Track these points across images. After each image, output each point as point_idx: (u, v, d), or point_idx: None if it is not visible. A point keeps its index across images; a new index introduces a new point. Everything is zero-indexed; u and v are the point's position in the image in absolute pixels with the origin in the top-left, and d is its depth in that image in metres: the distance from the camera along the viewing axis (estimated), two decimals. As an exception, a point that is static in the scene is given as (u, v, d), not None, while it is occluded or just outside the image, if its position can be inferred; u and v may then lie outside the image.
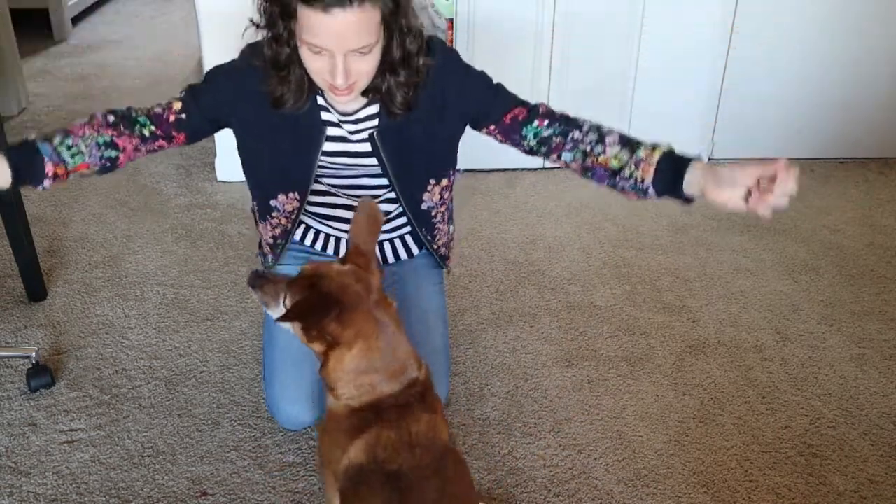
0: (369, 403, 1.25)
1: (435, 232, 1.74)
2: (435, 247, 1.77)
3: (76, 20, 4.79)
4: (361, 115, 1.55)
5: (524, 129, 1.60)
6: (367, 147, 1.58)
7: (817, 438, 1.83)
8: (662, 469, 1.74)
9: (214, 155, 2.98)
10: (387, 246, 1.79)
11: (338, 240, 1.77)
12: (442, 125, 1.59)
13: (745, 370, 2.04)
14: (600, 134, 1.56)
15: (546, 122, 1.60)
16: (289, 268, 1.78)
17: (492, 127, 1.61)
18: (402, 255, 1.81)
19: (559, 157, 1.60)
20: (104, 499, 1.64)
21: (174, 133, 1.58)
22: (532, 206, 2.83)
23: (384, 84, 1.47)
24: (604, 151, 1.55)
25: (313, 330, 1.24)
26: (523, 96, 2.83)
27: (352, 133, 1.57)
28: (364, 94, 1.49)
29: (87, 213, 2.71)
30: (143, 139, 1.58)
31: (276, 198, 1.64)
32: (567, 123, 1.60)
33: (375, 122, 1.55)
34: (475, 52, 2.84)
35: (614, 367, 2.04)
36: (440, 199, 1.69)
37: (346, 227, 1.72)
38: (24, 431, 1.80)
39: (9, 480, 1.67)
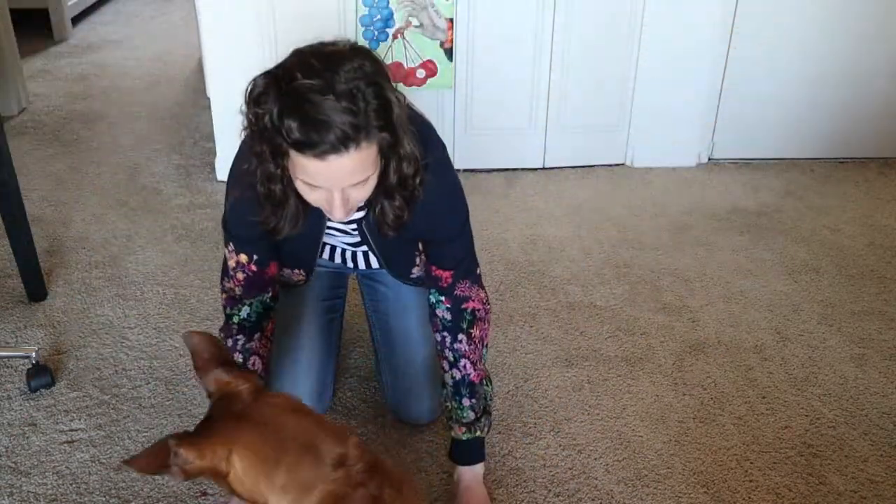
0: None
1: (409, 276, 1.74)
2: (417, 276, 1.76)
3: (76, 20, 4.79)
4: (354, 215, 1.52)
5: (430, 295, 1.62)
6: (357, 237, 1.60)
7: (817, 438, 1.83)
8: (662, 469, 1.74)
9: (214, 155, 2.98)
10: (359, 255, 1.75)
11: (333, 248, 1.75)
12: (414, 229, 1.54)
13: (745, 370, 2.04)
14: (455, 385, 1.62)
15: (446, 307, 1.59)
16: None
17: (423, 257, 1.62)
18: (374, 264, 1.76)
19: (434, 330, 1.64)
20: (104, 499, 1.64)
21: (268, 276, 1.59)
22: (532, 206, 2.83)
23: (378, 204, 1.44)
24: (445, 372, 1.64)
25: (175, 467, 1.06)
26: (524, 96, 2.82)
27: (345, 223, 1.57)
28: (359, 210, 1.49)
29: (87, 213, 2.71)
30: (269, 318, 1.65)
31: (282, 272, 1.68)
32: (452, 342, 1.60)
33: (362, 213, 1.52)
34: (475, 52, 2.84)
35: (614, 367, 2.04)
36: (424, 270, 1.67)
37: (336, 241, 1.71)
38: (24, 431, 1.80)
39: (9, 480, 1.67)
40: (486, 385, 1.65)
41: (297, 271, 1.68)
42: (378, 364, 1.86)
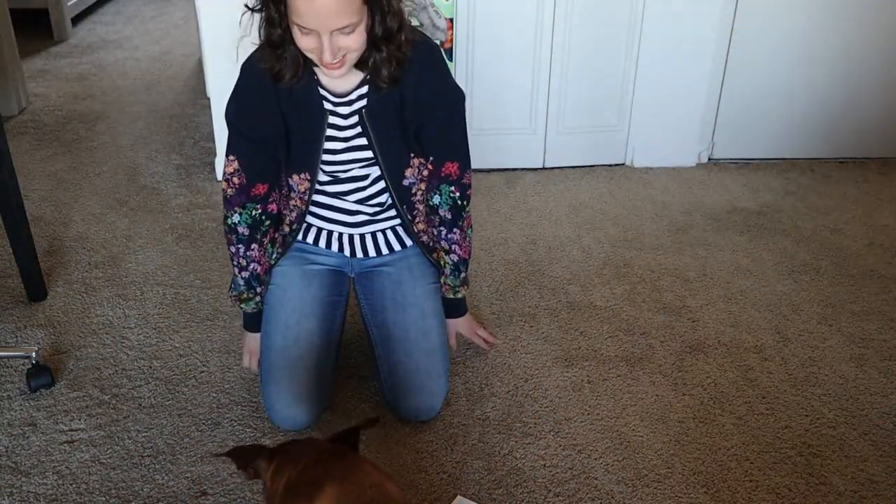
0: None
1: (415, 212, 1.82)
2: (416, 230, 1.84)
3: (76, 20, 4.79)
4: (353, 96, 1.66)
5: (433, 196, 1.81)
6: (357, 129, 1.69)
7: (817, 438, 1.83)
8: (662, 469, 1.74)
9: (214, 155, 2.98)
10: (380, 237, 1.86)
11: (329, 233, 1.85)
12: (413, 110, 1.70)
13: (745, 370, 2.04)
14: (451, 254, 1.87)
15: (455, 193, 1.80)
16: (287, 268, 1.82)
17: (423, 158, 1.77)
18: (395, 245, 1.88)
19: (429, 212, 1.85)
20: (104, 499, 1.64)
21: (260, 189, 1.74)
22: (532, 206, 2.83)
23: (371, 59, 1.58)
24: (445, 255, 1.87)
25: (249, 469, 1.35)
26: (524, 96, 2.88)
27: (345, 117, 1.67)
28: (357, 67, 1.60)
29: (87, 213, 2.71)
30: (264, 232, 1.81)
31: (291, 177, 1.75)
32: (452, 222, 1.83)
33: (364, 101, 1.66)
34: (475, 52, 2.84)
35: (614, 367, 2.04)
36: (419, 175, 1.77)
37: (337, 226, 1.84)
38: (24, 431, 1.80)
39: (9, 480, 1.67)
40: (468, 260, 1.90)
41: (302, 176, 1.74)
42: (376, 363, 1.87)
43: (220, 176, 2.93)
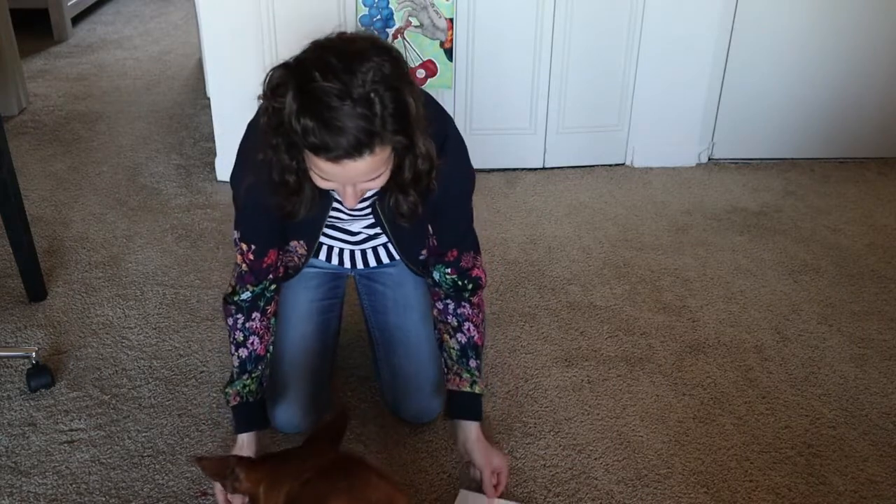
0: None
1: (427, 269, 1.74)
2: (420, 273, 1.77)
3: (76, 20, 4.79)
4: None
5: (434, 271, 1.68)
6: (370, 220, 1.65)
7: (817, 438, 1.83)
8: (662, 469, 1.74)
9: (214, 155, 2.98)
10: (381, 250, 1.79)
11: (330, 248, 1.78)
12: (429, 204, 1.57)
13: (745, 370, 2.04)
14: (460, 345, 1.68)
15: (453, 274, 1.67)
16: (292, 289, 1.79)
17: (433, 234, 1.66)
18: (396, 256, 1.77)
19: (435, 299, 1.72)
20: (104, 499, 1.64)
21: (273, 273, 1.65)
22: (532, 206, 2.83)
23: (392, 197, 1.48)
24: (450, 338, 1.69)
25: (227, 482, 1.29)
26: (524, 96, 2.84)
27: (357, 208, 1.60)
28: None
29: (87, 213, 2.71)
30: (269, 299, 1.67)
31: (289, 243, 1.68)
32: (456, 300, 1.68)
33: (375, 197, 1.57)
34: (475, 52, 2.84)
35: (614, 367, 2.04)
36: (432, 247, 1.70)
37: (334, 241, 1.76)
38: (24, 431, 1.80)
39: (9, 480, 1.67)
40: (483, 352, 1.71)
41: (300, 243, 1.67)
42: (376, 364, 1.86)
43: (220, 176, 2.94)
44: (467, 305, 1.66)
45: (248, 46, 2.71)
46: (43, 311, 2.21)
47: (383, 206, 1.56)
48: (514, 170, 3.07)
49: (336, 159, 1.26)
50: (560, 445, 1.79)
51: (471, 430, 1.62)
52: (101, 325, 2.16)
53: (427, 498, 1.65)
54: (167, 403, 1.89)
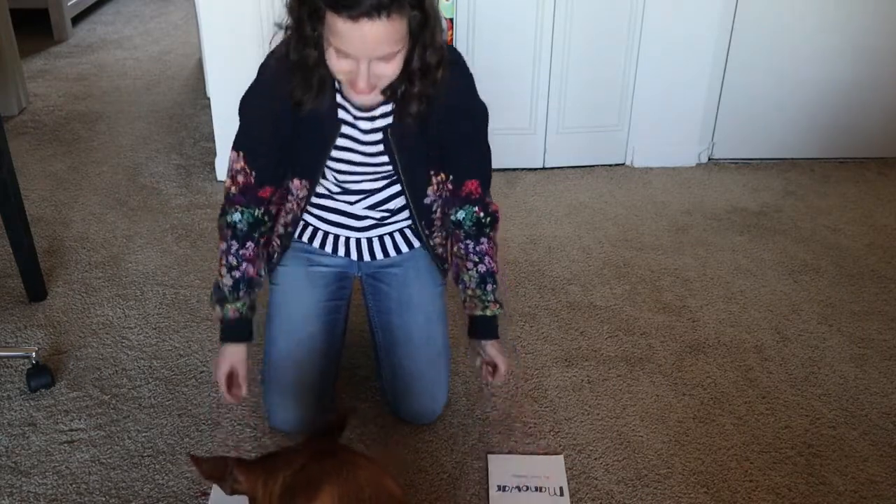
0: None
1: (433, 228, 1.76)
2: (432, 243, 1.78)
3: (76, 20, 4.79)
4: (377, 112, 1.59)
5: (453, 215, 1.73)
6: (379, 147, 1.63)
7: (817, 438, 1.83)
8: (662, 469, 1.74)
9: (214, 155, 2.98)
10: (387, 239, 1.81)
11: (336, 237, 1.79)
12: (437, 127, 1.63)
13: (745, 370, 2.04)
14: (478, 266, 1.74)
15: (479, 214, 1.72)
16: (291, 269, 1.79)
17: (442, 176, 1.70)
18: (403, 248, 1.81)
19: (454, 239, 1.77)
20: (104, 499, 1.64)
21: (259, 194, 1.66)
22: (532, 206, 2.83)
23: (400, 89, 1.52)
24: (469, 270, 1.74)
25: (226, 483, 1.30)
26: (524, 96, 2.86)
27: (365, 132, 1.61)
28: (382, 92, 1.53)
29: (87, 213, 2.71)
30: (263, 232, 1.71)
31: (292, 181, 1.70)
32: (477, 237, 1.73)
33: (389, 119, 1.60)
34: (475, 52, 2.84)
35: (614, 367, 2.04)
36: (438, 193, 1.72)
37: (343, 230, 1.78)
38: (24, 431, 1.80)
39: (9, 480, 1.67)
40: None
41: (301, 183, 1.68)
42: (378, 364, 1.86)
43: (220, 176, 2.94)
44: (485, 241, 1.73)
45: (248, 47, 2.71)
46: (43, 311, 2.21)
47: (394, 129, 1.60)
48: (514, 170, 3.07)
49: (356, 17, 1.31)
50: (560, 445, 1.79)
51: (487, 343, 1.75)
52: (101, 325, 2.16)
53: (427, 498, 1.65)
54: (167, 403, 1.89)
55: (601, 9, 2.85)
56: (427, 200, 1.71)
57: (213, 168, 2.98)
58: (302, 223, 1.80)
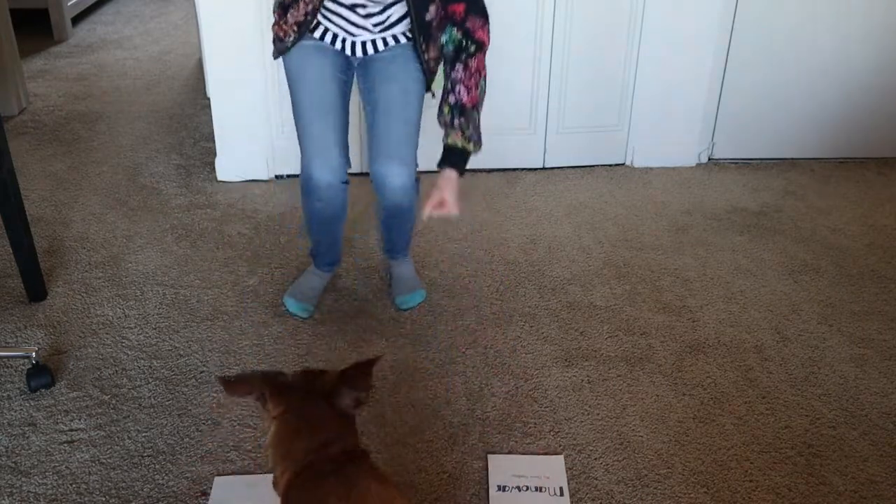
0: (302, 469, 1.24)
1: (429, 46, 1.93)
2: (426, 57, 1.94)
3: (76, 20, 4.79)
4: None
5: (442, 36, 1.88)
6: None
7: (817, 438, 1.83)
8: (662, 469, 1.74)
9: (214, 155, 2.98)
10: (379, 41, 1.97)
11: (334, 35, 1.96)
12: None
13: (745, 370, 2.04)
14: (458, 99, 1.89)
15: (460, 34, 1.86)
16: (302, 47, 1.97)
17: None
18: (391, 42, 1.98)
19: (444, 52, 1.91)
20: (104, 499, 1.64)
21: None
22: (532, 206, 2.83)
23: None
24: (445, 99, 1.90)
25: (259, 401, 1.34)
26: (524, 96, 2.87)
27: None
28: None
29: (87, 213, 2.71)
30: None
31: None
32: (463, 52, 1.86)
33: None
34: (475, 52, 2.84)
35: (614, 367, 2.04)
36: (436, 14, 1.88)
37: (342, 32, 1.95)
38: (24, 431, 1.80)
39: (9, 480, 1.67)
40: (477, 112, 1.91)
41: None
42: (370, 148, 2.01)
43: (220, 176, 2.94)
44: (460, 68, 1.84)
45: (248, 47, 2.71)
46: (43, 311, 2.21)
47: None
48: (514, 170, 3.07)
49: None
50: (560, 445, 1.79)
51: (447, 173, 1.91)
52: (101, 325, 2.16)
53: (427, 498, 1.65)
54: (167, 403, 1.89)
55: (601, 9, 2.85)
56: (428, 17, 1.88)
57: (213, 168, 2.98)
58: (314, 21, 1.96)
